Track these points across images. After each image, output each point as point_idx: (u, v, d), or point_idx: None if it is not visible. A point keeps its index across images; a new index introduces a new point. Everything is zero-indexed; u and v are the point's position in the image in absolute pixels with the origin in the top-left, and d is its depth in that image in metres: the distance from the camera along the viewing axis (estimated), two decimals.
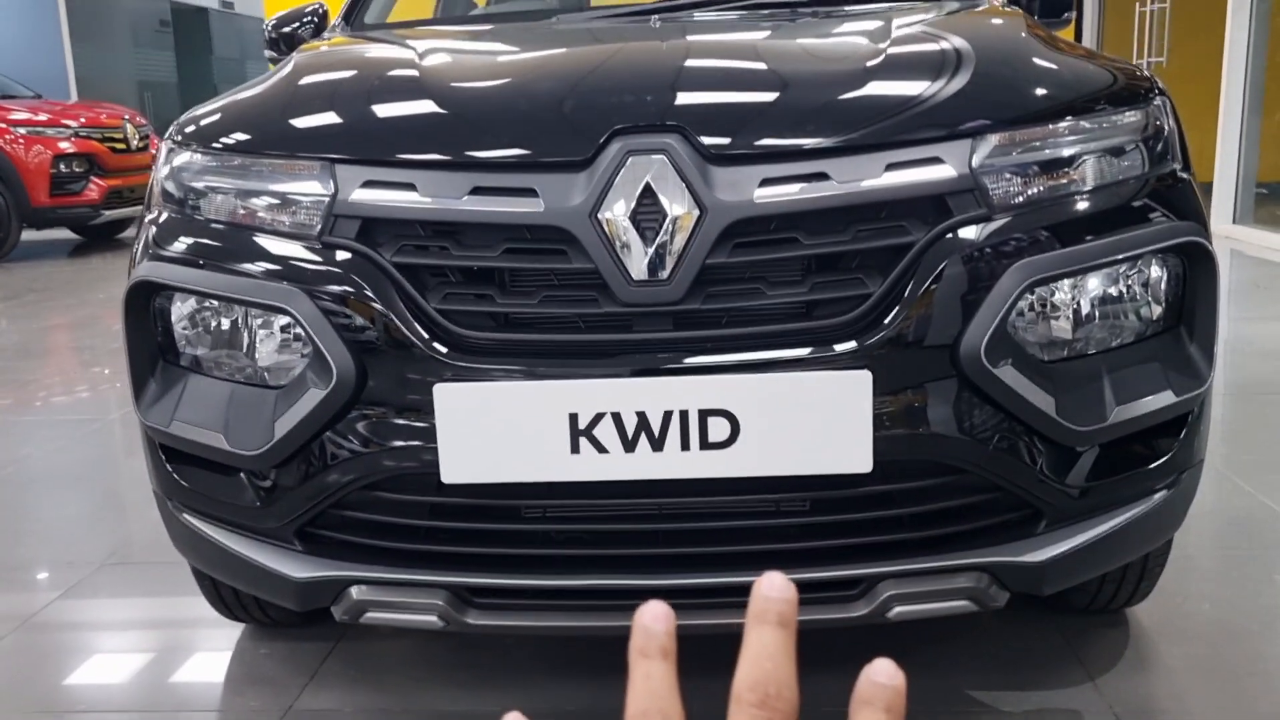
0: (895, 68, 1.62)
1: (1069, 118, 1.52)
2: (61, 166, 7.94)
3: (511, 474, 1.41)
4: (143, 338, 1.61)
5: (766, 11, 2.22)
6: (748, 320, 1.42)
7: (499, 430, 1.39)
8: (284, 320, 1.52)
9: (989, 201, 1.43)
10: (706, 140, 1.42)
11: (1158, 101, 1.61)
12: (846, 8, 2.25)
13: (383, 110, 1.63)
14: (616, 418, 1.37)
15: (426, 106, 1.61)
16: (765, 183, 1.40)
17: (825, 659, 1.37)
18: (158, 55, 14.75)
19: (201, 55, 15.70)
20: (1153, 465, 1.54)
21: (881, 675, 0.38)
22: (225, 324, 1.57)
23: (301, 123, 1.65)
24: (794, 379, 1.37)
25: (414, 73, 1.74)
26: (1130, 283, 1.52)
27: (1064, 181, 1.49)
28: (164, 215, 1.64)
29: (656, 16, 2.17)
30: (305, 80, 1.81)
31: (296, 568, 1.54)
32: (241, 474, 1.56)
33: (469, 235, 1.45)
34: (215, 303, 1.57)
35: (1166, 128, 1.60)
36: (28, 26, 12.17)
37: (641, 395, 1.37)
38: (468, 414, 1.39)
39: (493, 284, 1.45)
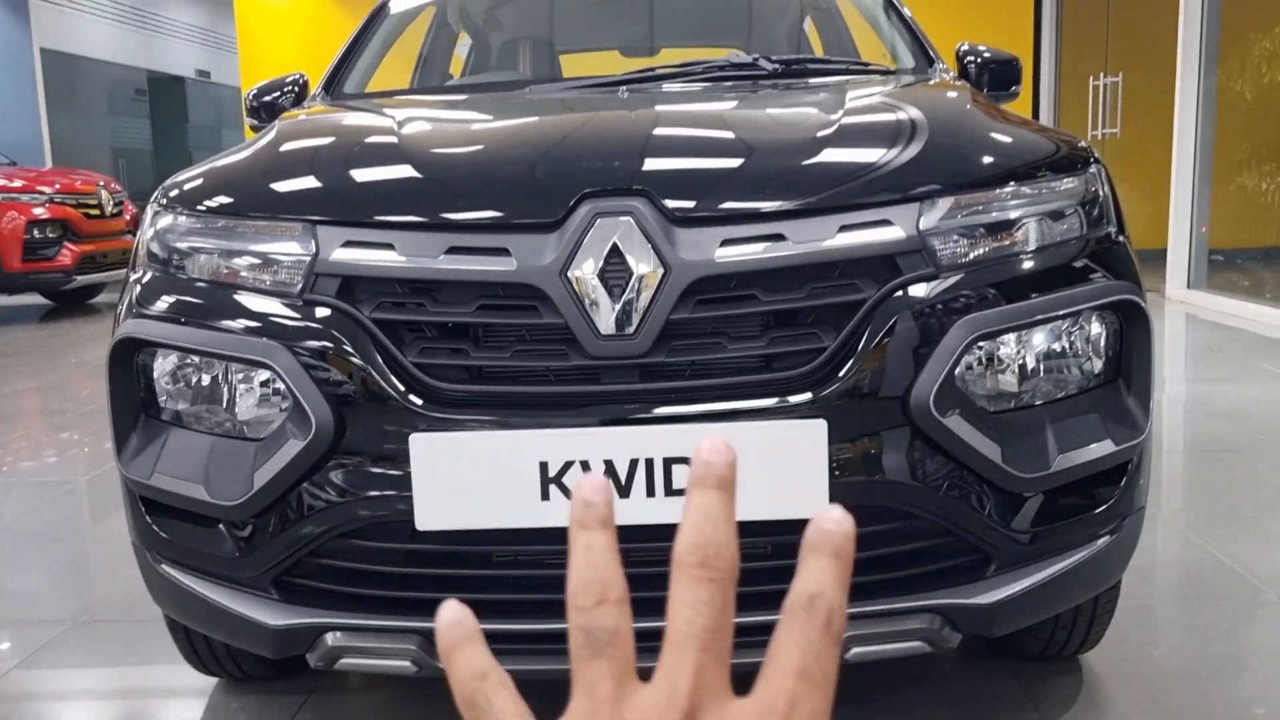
0: (848, 136, 1.72)
1: (1011, 184, 1.62)
2: (35, 232, 7.98)
3: (484, 521, 1.46)
4: (126, 393, 1.66)
5: (730, 83, 2.33)
6: (710, 372, 1.50)
7: (472, 478, 1.45)
8: (265, 374, 1.58)
9: (936, 261, 1.52)
10: (670, 203, 1.50)
11: (1093, 169, 1.72)
12: (805, 80, 2.37)
13: (363, 174, 1.71)
14: (585, 466, 1.43)
15: (405, 170, 1.69)
16: (726, 243, 1.49)
17: None
18: (133, 123, 14.88)
19: (177, 123, 15.83)
20: (1096, 511, 1.61)
21: (830, 522, 0.37)
22: (206, 379, 1.63)
23: (284, 186, 1.72)
24: (754, 428, 1.45)
25: (392, 139, 1.83)
26: (1071, 338, 1.61)
27: (1007, 243, 1.59)
28: (148, 275, 1.71)
29: (625, 87, 2.27)
30: (287, 146, 1.89)
31: (272, 615, 1.58)
32: (220, 524, 1.61)
33: (445, 292, 1.52)
34: (197, 358, 1.62)
35: (1102, 194, 1.70)
36: (4, 94, 12.27)
37: (609, 444, 1.43)
38: (441, 463, 1.45)
39: (467, 338, 1.52)
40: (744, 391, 1.48)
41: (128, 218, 8.90)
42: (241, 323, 1.57)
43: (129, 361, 1.66)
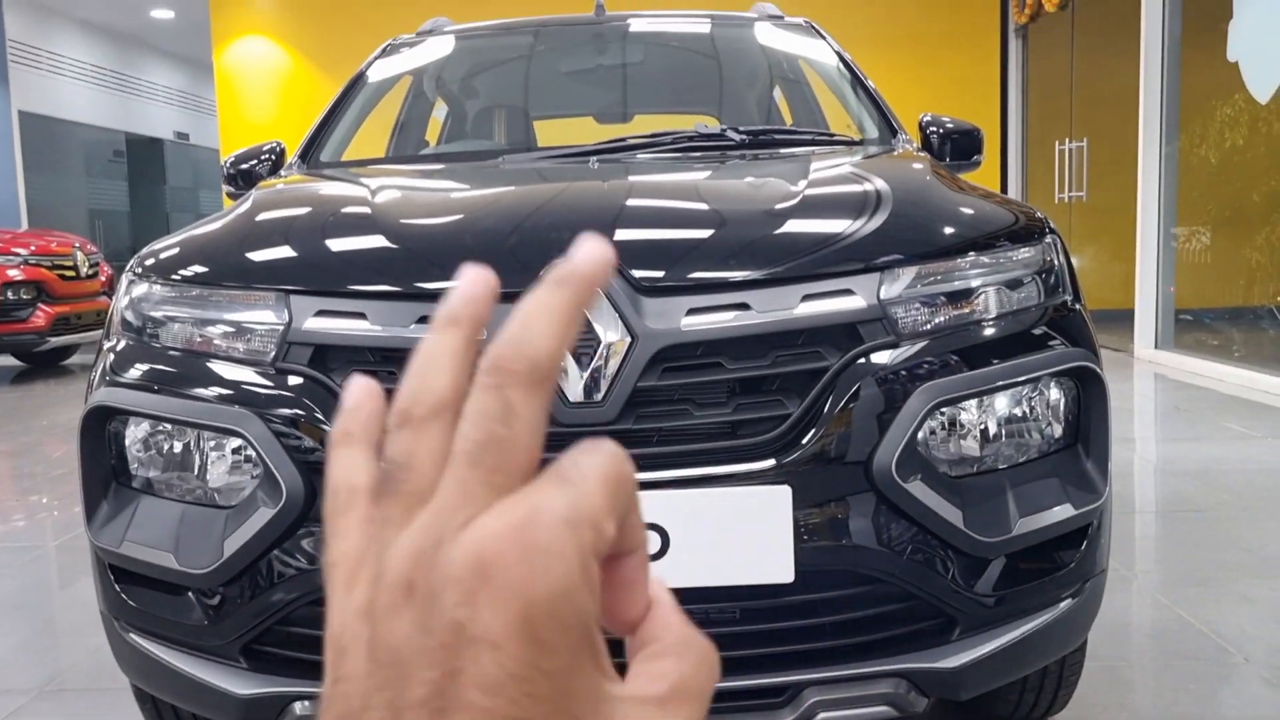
0: (812, 207, 1.77)
1: (970, 253, 1.67)
2: (9, 294, 7.96)
3: None
4: (97, 461, 1.67)
5: (698, 154, 2.38)
6: (676, 439, 1.52)
7: None
8: (236, 442, 1.59)
9: (897, 329, 1.56)
10: (638, 273, 1.54)
11: (1049, 239, 1.77)
12: (771, 151, 2.43)
13: (336, 244, 1.74)
14: None
15: (377, 241, 1.72)
16: (692, 312, 1.52)
17: None
18: (111, 184, 14.91)
19: (155, 184, 15.88)
20: (1058, 574, 1.64)
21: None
22: (178, 447, 1.64)
23: (258, 255, 1.75)
24: (719, 494, 1.47)
25: (366, 209, 1.86)
26: (1029, 404, 1.65)
27: (966, 311, 1.63)
28: (122, 343, 1.72)
29: (595, 158, 2.32)
30: (262, 215, 1.92)
31: (241, 684, 1.58)
32: (189, 592, 1.61)
33: None
34: (169, 426, 1.63)
35: (1058, 263, 1.75)
36: None
37: None
38: None
39: None
40: (710, 458, 1.50)
41: (103, 279, 8.90)
42: (214, 391, 1.59)
43: (101, 429, 1.67)
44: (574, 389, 1.49)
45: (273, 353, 1.58)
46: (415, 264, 1.66)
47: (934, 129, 2.77)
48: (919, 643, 1.57)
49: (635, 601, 0.33)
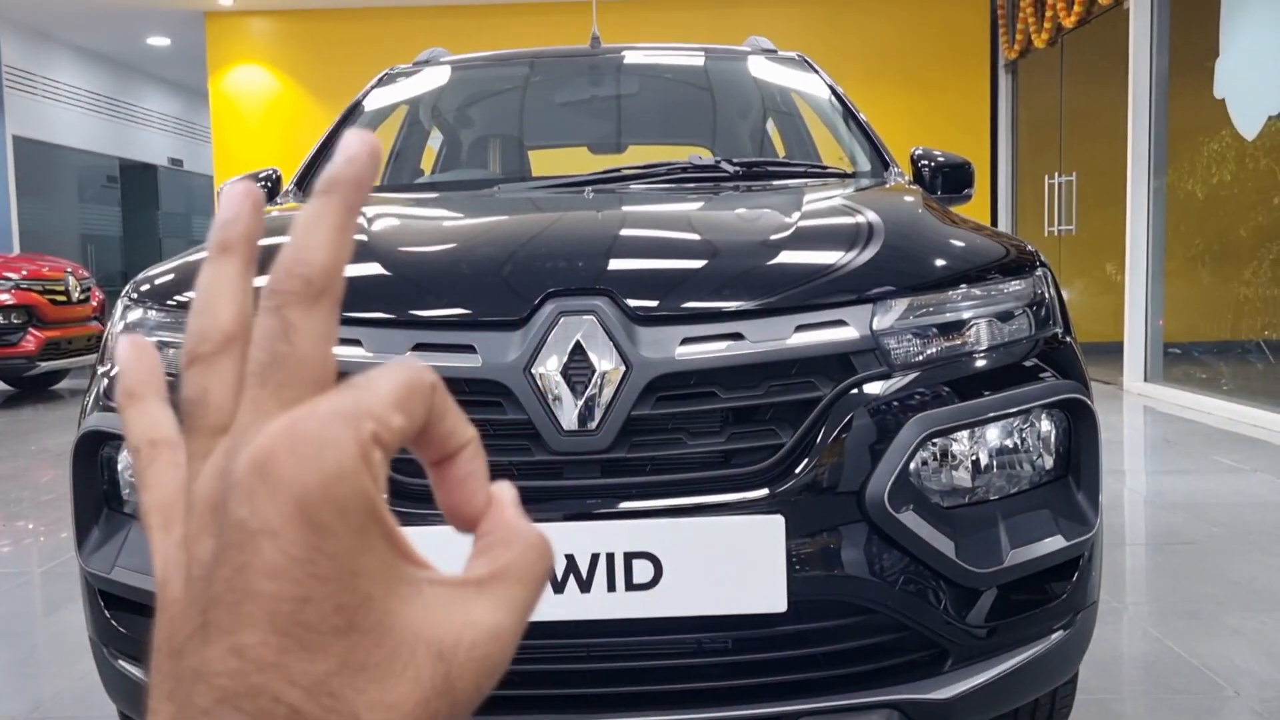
0: (805, 238, 1.78)
1: (962, 286, 1.68)
2: None
3: None
4: (88, 487, 1.67)
5: (692, 185, 2.40)
6: (670, 468, 1.53)
7: None
8: None
9: (889, 360, 1.57)
10: (632, 302, 1.55)
11: (1040, 272, 1.79)
12: (764, 183, 2.45)
13: None
14: None
15: (373, 268, 1.73)
16: (686, 341, 1.53)
17: None
18: (104, 209, 14.90)
19: (148, 210, 15.87)
20: (1049, 606, 1.64)
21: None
22: None
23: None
24: (712, 523, 1.47)
25: (361, 236, 1.87)
26: (1021, 435, 1.66)
27: (958, 343, 1.64)
28: (116, 369, 1.72)
29: (591, 188, 2.34)
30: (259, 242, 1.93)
31: None
32: None
33: None
34: None
35: (1049, 295, 1.77)
36: None
37: (571, 539, 1.45)
38: None
39: None
40: (703, 487, 1.51)
41: (95, 304, 8.88)
42: None
43: (94, 454, 1.67)
44: (568, 417, 1.49)
45: None
46: (410, 291, 1.67)
47: (926, 162, 2.80)
48: (911, 674, 1.57)
49: (473, 497, 0.33)
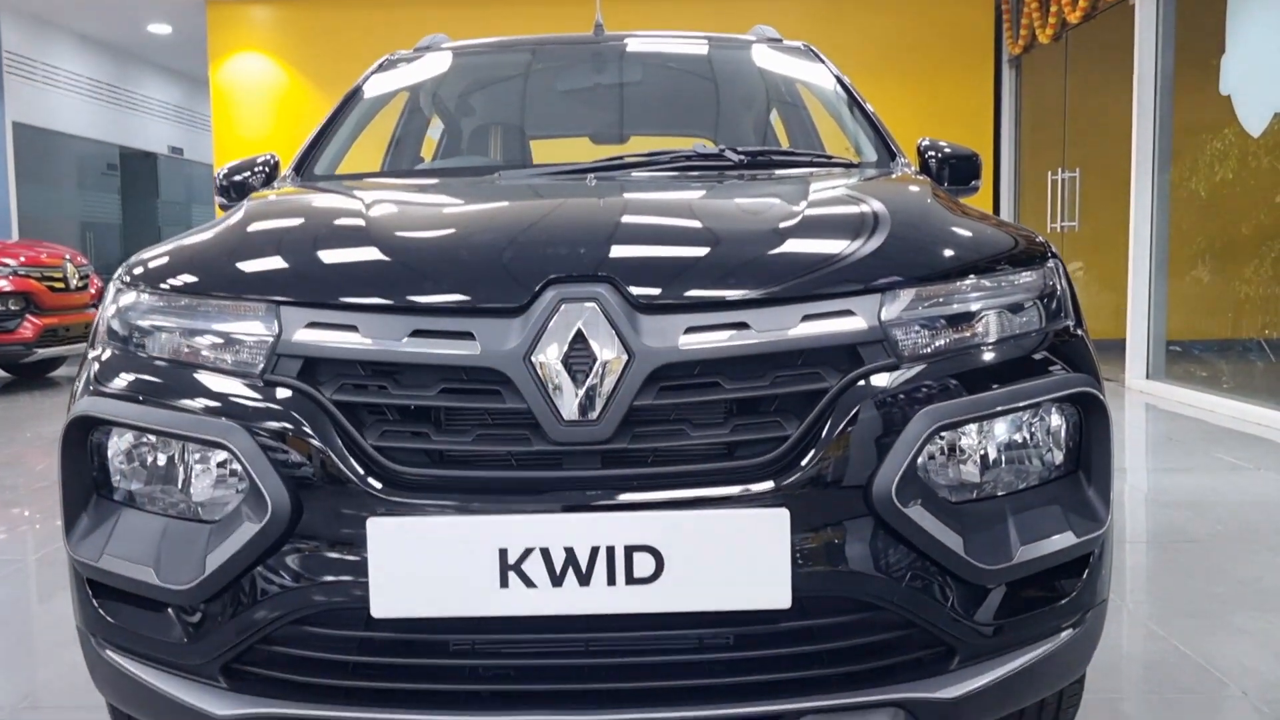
0: (812, 227, 1.75)
1: (971, 276, 1.65)
2: None
3: (441, 608, 1.44)
4: (78, 472, 1.63)
5: (696, 173, 2.36)
6: (672, 459, 1.49)
7: (429, 565, 1.42)
8: (221, 455, 1.55)
9: (897, 351, 1.54)
10: (635, 290, 1.51)
11: (1051, 264, 1.75)
12: (770, 171, 2.41)
13: (329, 255, 1.71)
14: (545, 553, 1.41)
15: (371, 253, 1.69)
16: (690, 330, 1.49)
17: None
18: (103, 197, 14.85)
19: (147, 198, 15.82)
20: (1059, 604, 1.61)
21: None
22: (162, 459, 1.60)
23: (249, 265, 1.72)
24: (716, 516, 1.44)
25: (360, 221, 1.83)
26: (1031, 430, 1.62)
27: (967, 335, 1.60)
28: (108, 352, 1.69)
29: (593, 175, 2.30)
30: (254, 225, 1.89)
31: (220, 705, 1.53)
32: (169, 609, 1.56)
33: (407, 375, 1.51)
34: (153, 438, 1.60)
35: (1060, 288, 1.73)
36: None
37: (570, 531, 1.42)
38: (399, 548, 1.43)
39: (429, 422, 1.51)
40: (706, 479, 1.47)
41: (93, 291, 8.85)
42: (200, 402, 1.55)
43: (83, 440, 1.63)
44: (569, 406, 1.46)
45: (261, 364, 1.55)
46: (409, 277, 1.63)
47: (932, 153, 2.76)
48: (917, 672, 1.53)
49: None
